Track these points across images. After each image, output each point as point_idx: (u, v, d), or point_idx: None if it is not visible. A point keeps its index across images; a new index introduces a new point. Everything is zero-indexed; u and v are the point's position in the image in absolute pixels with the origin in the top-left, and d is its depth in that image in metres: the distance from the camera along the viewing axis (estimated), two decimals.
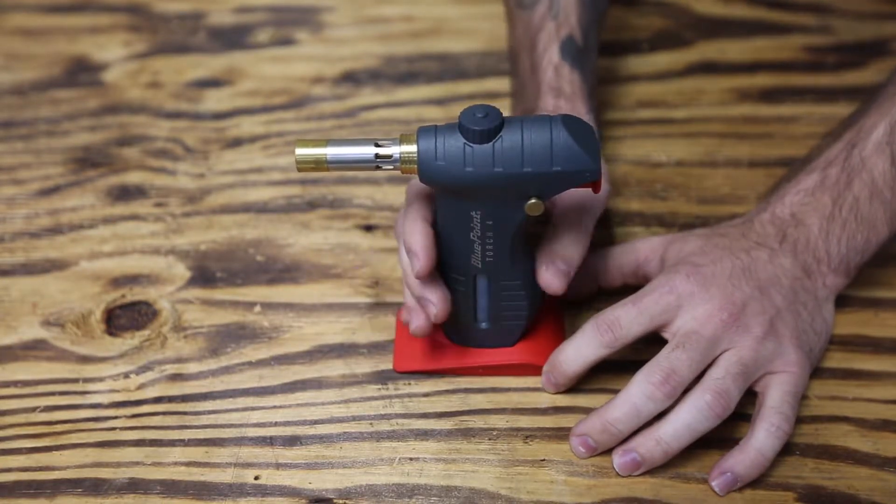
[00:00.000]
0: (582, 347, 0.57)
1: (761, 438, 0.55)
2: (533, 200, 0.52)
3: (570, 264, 0.57)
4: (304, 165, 0.53)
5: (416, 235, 0.55)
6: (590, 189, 0.53)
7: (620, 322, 0.56)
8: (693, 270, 0.57)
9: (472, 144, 0.51)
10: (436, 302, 0.56)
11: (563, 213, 0.58)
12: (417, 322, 0.57)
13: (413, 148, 0.52)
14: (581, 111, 0.63)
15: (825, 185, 0.60)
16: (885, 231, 0.60)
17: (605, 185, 0.60)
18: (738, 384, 0.55)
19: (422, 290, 0.56)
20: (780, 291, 0.57)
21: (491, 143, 0.51)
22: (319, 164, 0.53)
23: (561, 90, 0.64)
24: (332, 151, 0.52)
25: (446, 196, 0.53)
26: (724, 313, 0.55)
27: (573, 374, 0.58)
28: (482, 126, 0.50)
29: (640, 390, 0.55)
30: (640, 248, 0.62)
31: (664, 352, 0.56)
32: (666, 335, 0.57)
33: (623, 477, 0.56)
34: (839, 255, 0.59)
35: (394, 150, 0.52)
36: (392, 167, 0.52)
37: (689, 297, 0.56)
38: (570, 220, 0.58)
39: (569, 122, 0.51)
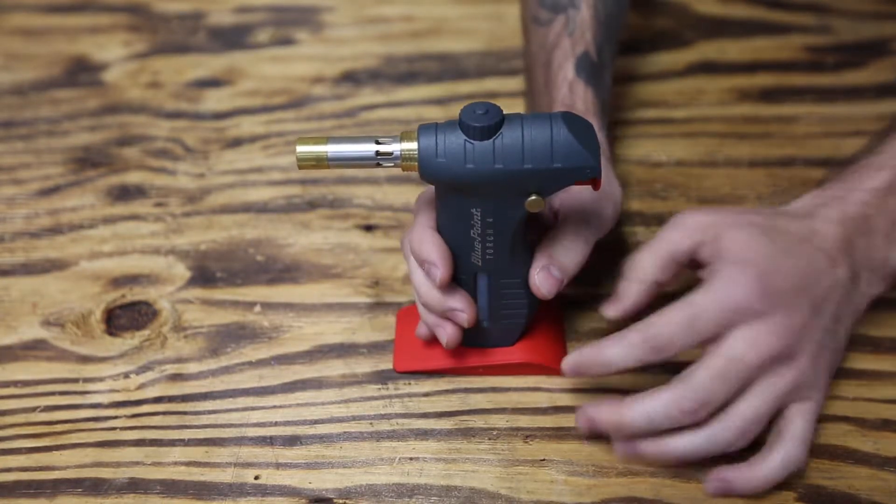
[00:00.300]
0: (626, 357, 0.53)
1: (776, 467, 0.53)
2: (533, 197, 0.52)
3: (565, 272, 0.56)
4: (305, 163, 0.53)
5: (428, 244, 0.55)
6: (601, 204, 0.53)
7: (673, 344, 0.52)
8: (758, 284, 0.52)
9: (472, 141, 0.51)
10: (463, 308, 0.56)
11: (566, 220, 0.57)
12: (448, 334, 0.57)
13: (414, 145, 0.52)
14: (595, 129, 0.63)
15: (894, 186, 0.57)
16: None
17: (612, 208, 0.59)
18: (768, 414, 0.53)
19: (445, 303, 0.56)
20: (829, 308, 0.55)
21: (491, 140, 0.51)
22: (320, 162, 0.53)
23: (574, 107, 0.64)
24: (332, 149, 0.52)
25: (447, 193, 0.53)
26: (780, 342, 0.52)
27: (607, 374, 0.55)
28: (483, 123, 0.50)
29: (665, 411, 0.52)
30: (690, 228, 0.55)
31: (702, 375, 0.52)
32: (709, 347, 0.53)
33: (621, 472, 0.56)
34: (893, 266, 0.57)
35: (394, 148, 0.52)
36: (393, 164, 0.52)
37: (748, 313, 0.52)
38: (574, 228, 0.57)
39: (569, 118, 0.51)
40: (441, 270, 0.55)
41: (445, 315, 0.57)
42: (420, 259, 0.56)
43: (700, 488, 0.55)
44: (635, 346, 0.52)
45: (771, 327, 0.52)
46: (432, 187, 0.55)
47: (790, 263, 0.53)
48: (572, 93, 0.65)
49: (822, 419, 0.58)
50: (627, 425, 0.53)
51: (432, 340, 0.60)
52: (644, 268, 0.55)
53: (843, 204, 0.56)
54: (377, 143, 0.52)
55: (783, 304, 0.52)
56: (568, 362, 0.55)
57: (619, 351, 0.53)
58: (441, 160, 0.51)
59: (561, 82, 0.65)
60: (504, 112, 0.51)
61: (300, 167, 0.53)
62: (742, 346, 0.52)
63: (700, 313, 0.52)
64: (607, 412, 0.53)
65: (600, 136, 0.63)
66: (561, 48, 0.67)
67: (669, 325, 0.52)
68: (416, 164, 0.52)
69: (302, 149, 0.53)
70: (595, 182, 0.52)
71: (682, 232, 0.55)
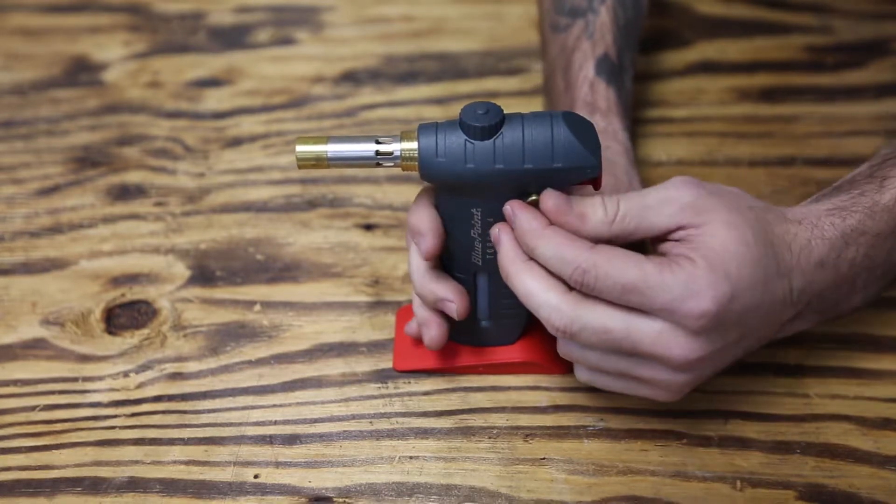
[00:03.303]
0: (566, 253, 0.49)
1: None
2: (534, 197, 0.52)
3: None
4: (305, 163, 0.53)
5: (421, 216, 0.54)
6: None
7: (604, 290, 0.48)
8: (716, 307, 0.48)
9: (472, 141, 0.51)
10: (453, 298, 0.56)
11: None
12: (431, 335, 0.57)
13: (414, 145, 0.52)
14: (616, 127, 0.62)
15: (893, 234, 0.53)
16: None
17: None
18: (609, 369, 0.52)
19: (436, 293, 0.56)
20: (751, 342, 0.52)
21: (492, 140, 0.51)
22: (320, 162, 0.53)
23: (596, 105, 0.63)
24: (332, 148, 0.52)
25: (447, 193, 0.53)
26: (685, 357, 0.49)
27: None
28: (483, 122, 0.50)
29: (547, 312, 0.50)
30: (680, 208, 0.50)
31: (604, 321, 0.49)
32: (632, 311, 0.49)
33: (621, 470, 0.56)
34: (838, 311, 0.54)
35: (394, 147, 0.52)
36: (392, 164, 0.52)
37: (686, 320, 0.48)
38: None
39: (570, 118, 0.51)
40: (427, 242, 0.54)
41: (436, 306, 0.57)
42: (411, 231, 0.55)
43: (700, 487, 0.55)
44: (578, 251, 0.49)
45: (691, 343, 0.49)
46: None
47: (757, 299, 0.49)
48: (593, 91, 0.64)
49: (822, 418, 0.58)
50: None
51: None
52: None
53: (839, 244, 0.52)
54: (377, 142, 0.52)
55: (719, 330, 0.49)
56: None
57: (555, 244, 0.50)
58: (441, 160, 0.51)
59: (581, 82, 0.65)
60: (504, 111, 0.51)
61: (300, 167, 0.53)
62: (654, 339, 0.49)
63: (647, 288, 0.48)
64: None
65: (624, 136, 0.63)
66: (580, 51, 0.67)
67: (618, 272, 0.48)
68: (417, 163, 0.52)
69: (301, 148, 0.53)
70: (596, 182, 0.52)
71: (671, 208, 0.50)
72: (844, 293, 0.54)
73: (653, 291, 0.48)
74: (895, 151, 0.56)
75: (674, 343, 0.49)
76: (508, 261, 0.52)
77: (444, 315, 0.57)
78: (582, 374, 0.54)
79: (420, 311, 0.58)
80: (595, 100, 0.63)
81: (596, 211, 0.50)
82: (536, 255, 0.50)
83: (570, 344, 0.52)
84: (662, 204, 0.50)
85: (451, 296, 0.56)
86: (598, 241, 0.50)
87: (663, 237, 0.51)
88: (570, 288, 0.50)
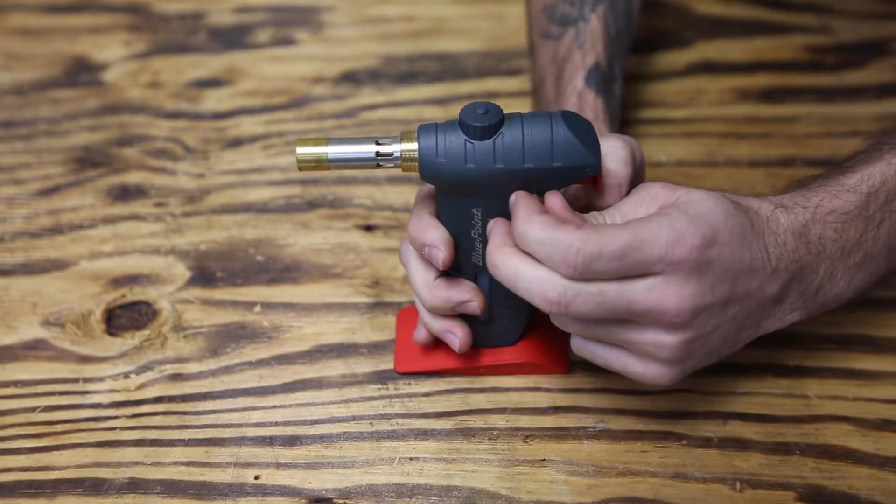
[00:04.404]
0: (547, 249, 0.49)
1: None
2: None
3: None
4: (305, 164, 0.53)
5: (428, 228, 0.54)
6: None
7: (598, 270, 0.48)
8: (701, 245, 0.48)
9: (472, 141, 0.51)
10: (472, 297, 0.56)
11: None
12: (460, 338, 0.57)
13: (414, 146, 0.52)
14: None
15: (861, 215, 0.54)
16: (883, 270, 0.56)
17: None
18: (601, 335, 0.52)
19: (452, 298, 0.56)
20: (739, 313, 0.51)
21: (492, 140, 0.51)
22: (320, 163, 0.53)
23: (583, 115, 0.63)
24: (333, 150, 0.52)
25: (448, 194, 0.54)
26: (677, 308, 0.49)
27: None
28: (483, 122, 0.50)
29: (540, 286, 0.49)
30: (654, 202, 0.52)
31: (593, 287, 0.49)
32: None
33: (621, 472, 0.56)
34: (825, 299, 0.54)
35: (395, 148, 0.52)
36: (393, 165, 0.52)
37: (675, 265, 0.48)
38: None
39: (569, 117, 0.51)
40: (443, 252, 0.54)
41: (455, 310, 0.57)
42: (420, 244, 0.55)
43: (700, 488, 0.55)
44: (569, 232, 0.48)
45: (683, 289, 0.49)
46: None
47: (737, 249, 0.50)
48: (581, 101, 0.64)
49: (822, 419, 0.58)
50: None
51: (431, 344, 0.60)
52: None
53: (808, 220, 0.53)
54: (377, 143, 0.52)
55: (708, 273, 0.49)
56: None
57: (542, 234, 0.49)
58: (441, 160, 0.51)
59: (570, 93, 0.65)
60: (504, 111, 0.51)
61: (300, 168, 0.53)
62: (646, 294, 0.49)
63: (642, 243, 0.48)
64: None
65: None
66: (572, 61, 0.67)
67: (614, 238, 0.48)
68: (417, 164, 0.52)
69: (302, 150, 0.53)
70: (596, 180, 0.52)
71: (646, 205, 0.52)
72: (824, 276, 0.54)
73: (648, 244, 0.48)
74: (862, 148, 0.57)
75: (668, 292, 0.48)
76: (495, 247, 0.51)
77: (463, 316, 0.58)
78: (577, 344, 0.53)
79: (435, 323, 0.58)
80: (582, 109, 0.64)
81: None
82: (528, 238, 0.49)
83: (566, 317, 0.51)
84: (637, 206, 0.52)
85: (468, 296, 0.56)
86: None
87: None
88: None
